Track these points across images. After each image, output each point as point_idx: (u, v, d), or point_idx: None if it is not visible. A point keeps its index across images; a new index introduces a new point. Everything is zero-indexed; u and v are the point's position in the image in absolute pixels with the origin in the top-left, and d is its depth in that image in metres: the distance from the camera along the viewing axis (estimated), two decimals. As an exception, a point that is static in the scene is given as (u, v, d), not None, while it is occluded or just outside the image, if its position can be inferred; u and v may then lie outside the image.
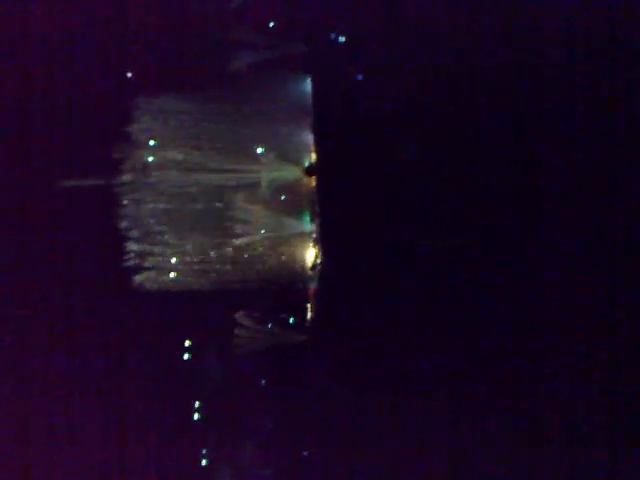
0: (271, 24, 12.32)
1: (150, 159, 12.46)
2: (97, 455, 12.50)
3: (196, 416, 12.72)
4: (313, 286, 12.75)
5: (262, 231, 12.74)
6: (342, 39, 12.41)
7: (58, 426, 12.45)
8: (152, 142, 12.46)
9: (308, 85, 12.54)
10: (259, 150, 12.57)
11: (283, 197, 12.71)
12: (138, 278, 12.43)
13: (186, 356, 12.72)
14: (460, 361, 12.29)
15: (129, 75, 12.41)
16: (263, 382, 12.76)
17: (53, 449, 12.39)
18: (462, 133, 12.19)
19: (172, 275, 12.59)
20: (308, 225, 12.77)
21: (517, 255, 12.21)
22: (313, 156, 12.65)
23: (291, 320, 12.76)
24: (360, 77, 12.41)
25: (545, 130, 12.19)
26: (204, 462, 12.66)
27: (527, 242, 12.21)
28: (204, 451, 12.67)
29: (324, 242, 12.69)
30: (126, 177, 12.30)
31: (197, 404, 12.73)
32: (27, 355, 12.44)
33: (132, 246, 12.41)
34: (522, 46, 12.13)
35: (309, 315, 12.72)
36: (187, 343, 12.72)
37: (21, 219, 12.44)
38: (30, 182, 12.37)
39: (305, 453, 12.56)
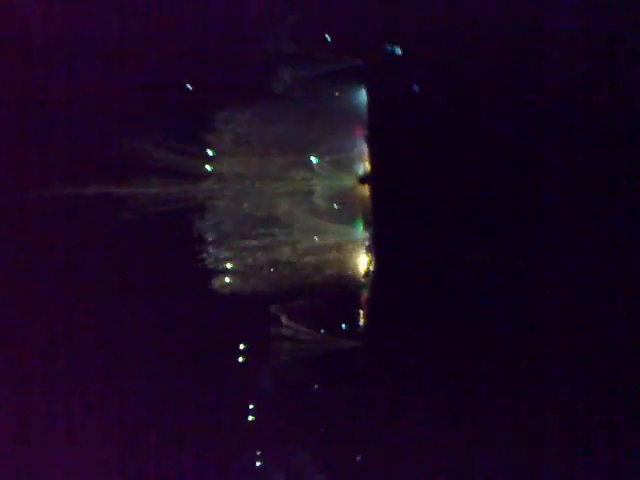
0: (328, 38, 12.52)
1: (210, 169, 12.76)
2: (154, 454, 12.75)
3: (250, 418, 12.93)
4: (365, 293, 12.92)
5: (315, 238, 12.95)
6: (398, 51, 12.58)
7: (116, 422, 12.74)
8: (210, 152, 12.75)
9: (363, 96, 12.74)
10: (314, 159, 12.79)
11: (337, 205, 12.92)
12: (214, 281, 12.77)
13: (240, 359, 12.96)
14: (513, 365, 12.38)
15: (189, 87, 12.67)
16: (315, 387, 12.93)
17: (109, 446, 12.69)
18: (519, 144, 12.27)
19: (235, 279, 12.86)
20: (361, 233, 12.95)
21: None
22: (367, 165, 12.84)
23: (343, 326, 12.93)
24: (416, 88, 12.53)
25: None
26: (258, 464, 12.85)
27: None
28: (258, 453, 12.88)
29: (377, 250, 12.86)
30: (193, 186, 12.62)
31: (251, 406, 12.94)
32: (107, 354, 12.77)
33: (207, 250, 12.74)
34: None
35: (361, 321, 12.89)
36: (242, 346, 12.95)
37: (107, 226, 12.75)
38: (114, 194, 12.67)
39: (358, 458, 12.69)
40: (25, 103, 12.53)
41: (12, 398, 12.54)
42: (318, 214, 12.89)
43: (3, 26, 12.40)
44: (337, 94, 12.77)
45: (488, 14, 12.10)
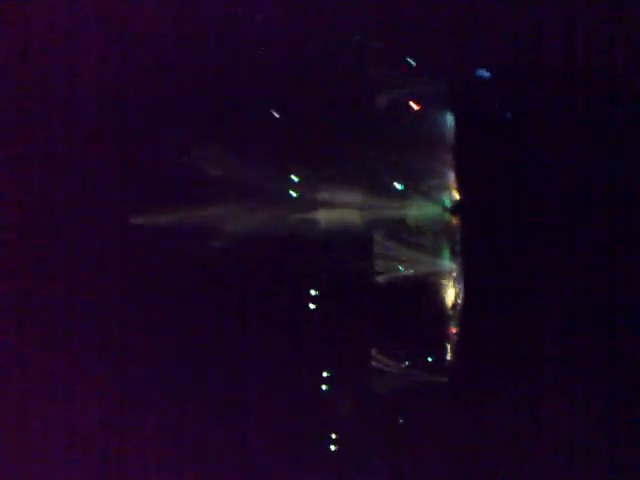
0: (412, 62, 12.14)
1: (295, 195, 12.63)
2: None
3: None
4: (452, 326, 12.50)
5: (400, 268, 12.62)
6: (487, 74, 12.05)
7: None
8: (295, 179, 12.61)
9: (450, 121, 12.28)
10: (399, 186, 12.45)
11: (423, 235, 12.54)
12: (299, 309, 12.70)
13: (324, 387, 12.81)
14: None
15: (276, 115, 12.57)
16: (401, 421, 12.64)
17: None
18: (609, 177, 11.62)
19: (321, 306, 12.73)
20: (448, 263, 12.52)
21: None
22: (454, 194, 12.39)
23: (429, 359, 12.57)
24: (508, 115, 11.99)
25: None
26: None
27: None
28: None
29: (465, 281, 12.41)
30: (279, 212, 12.56)
31: (334, 436, 12.77)
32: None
33: (293, 276, 12.66)
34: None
35: (448, 356, 12.49)
36: (325, 374, 12.80)
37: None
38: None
39: None
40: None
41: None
42: (403, 244, 12.53)
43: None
44: (423, 119, 12.33)
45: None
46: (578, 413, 11.88)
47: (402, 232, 12.55)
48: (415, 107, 12.31)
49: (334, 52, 12.29)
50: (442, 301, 12.58)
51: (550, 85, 11.80)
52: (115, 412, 12.51)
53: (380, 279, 12.61)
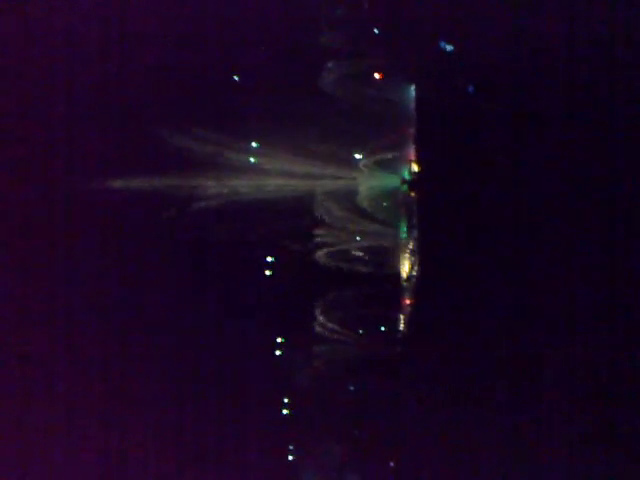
0: (376, 31, 11.92)
1: (252, 160, 12.49)
2: (188, 443, 12.87)
3: (285, 412, 12.86)
4: (407, 297, 12.54)
5: (357, 238, 12.59)
6: (450, 47, 11.88)
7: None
8: (255, 144, 12.45)
9: (412, 95, 12.14)
10: (357, 156, 12.34)
11: (380, 206, 12.48)
12: (253, 274, 12.75)
13: (278, 352, 12.86)
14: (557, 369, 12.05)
15: (236, 78, 12.34)
16: (352, 388, 12.74)
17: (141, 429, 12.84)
18: (574, 146, 11.61)
19: (274, 273, 12.72)
20: (404, 236, 12.51)
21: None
22: (413, 167, 12.31)
23: (382, 329, 12.63)
24: (471, 89, 11.85)
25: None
26: (290, 457, 12.81)
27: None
28: (291, 447, 12.83)
29: (421, 254, 12.41)
30: (235, 180, 12.43)
31: (286, 400, 12.85)
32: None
33: (247, 244, 12.60)
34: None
35: (401, 326, 12.55)
36: (279, 340, 12.84)
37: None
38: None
39: (391, 464, 12.51)
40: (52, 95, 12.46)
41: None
42: (360, 214, 12.47)
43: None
44: (385, 91, 12.17)
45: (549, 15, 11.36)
46: (526, 378, 12.10)
47: (359, 203, 12.51)
48: (378, 77, 12.15)
49: (295, 20, 12.12)
50: (397, 273, 12.60)
51: (512, 59, 11.67)
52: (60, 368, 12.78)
53: (336, 249, 12.60)
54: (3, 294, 12.44)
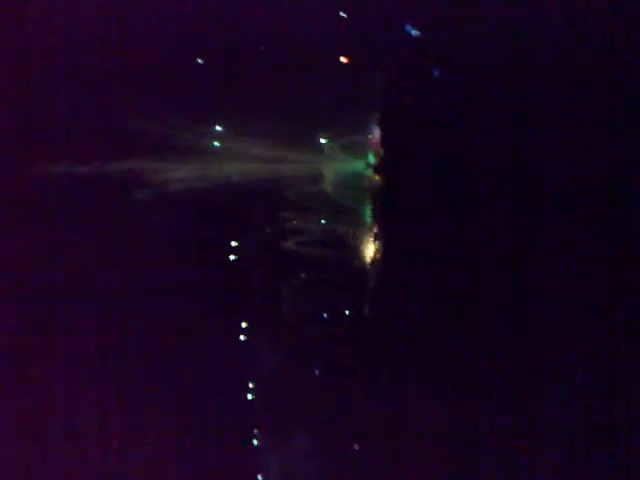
0: (343, 15, 11.91)
1: (216, 144, 12.38)
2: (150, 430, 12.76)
3: (249, 397, 12.84)
4: (371, 281, 12.60)
5: (322, 222, 12.60)
6: (416, 32, 11.92)
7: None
8: (219, 128, 12.34)
9: (379, 79, 12.16)
10: (322, 141, 12.34)
11: (345, 190, 12.51)
12: (220, 257, 12.68)
13: (242, 337, 12.82)
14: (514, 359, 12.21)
15: (200, 61, 12.20)
16: (317, 372, 12.77)
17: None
18: (539, 127, 11.79)
19: (240, 257, 12.67)
20: (369, 220, 12.56)
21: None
22: (379, 151, 12.35)
23: (347, 312, 12.67)
24: (436, 73, 11.90)
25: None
26: (255, 442, 12.80)
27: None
28: (255, 431, 12.83)
29: (385, 238, 12.48)
30: (202, 165, 12.32)
31: (250, 385, 12.83)
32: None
33: (214, 226, 12.59)
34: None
35: (365, 310, 12.61)
36: (244, 324, 12.79)
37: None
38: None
39: (356, 447, 12.59)
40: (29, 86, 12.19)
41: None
42: (325, 197, 12.47)
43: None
44: (352, 76, 12.15)
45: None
46: (489, 364, 12.20)
47: (324, 186, 12.51)
48: (344, 60, 12.14)
49: (259, 3, 12.04)
50: (361, 257, 12.65)
51: (479, 44, 11.72)
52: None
53: (300, 233, 12.59)
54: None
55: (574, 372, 11.91)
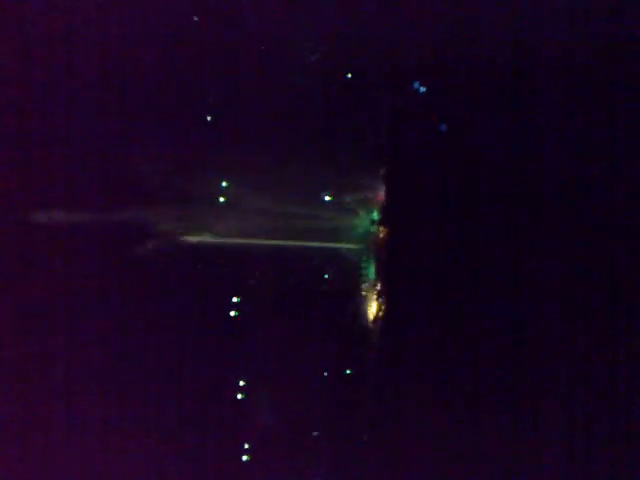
0: (349, 75, 12.00)
1: (222, 200, 12.36)
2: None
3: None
4: (374, 339, 12.43)
5: (325, 276, 12.48)
6: (423, 89, 11.98)
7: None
8: (225, 184, 12.33)
9: (383, 135, 12.17)
10: (327, 198, 12.31)
11: (349, 245, 12.43)
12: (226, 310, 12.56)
13: (240, 396, 12.58)
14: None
15: (209, 119, 12.29)
16: (315, 434, 12.54)
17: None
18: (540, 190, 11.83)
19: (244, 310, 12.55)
20: (372, 276, 12.45)
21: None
22: (383, 207, 12.31)
23: (348, 372, 12.47)
24: (443, 128, 11.92)
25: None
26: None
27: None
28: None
29: (388, 297, 12.35)
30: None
31: (247, 446, 12.57)
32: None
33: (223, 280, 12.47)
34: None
35: (367, 368, 12.42)
36: (241, 383, 12.59)
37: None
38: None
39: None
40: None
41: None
42: (330, 255, 12.39)
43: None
44: (358, 132, 12.17)
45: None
46: (501, 422, 12.11)
47: (330, 243, 12.44)
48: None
49: (274, 68, 12.18)
50: (364, 314, 12.50)
51: (485, 96, 11.85)
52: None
53: (303, 288, 12.47)
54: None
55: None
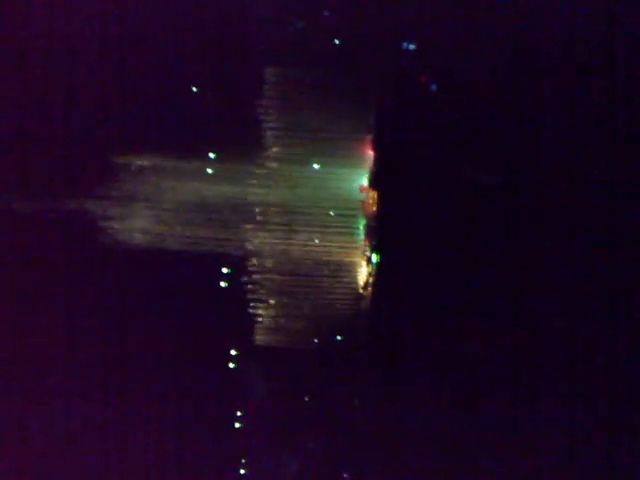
0: (337, 41, 11.66)
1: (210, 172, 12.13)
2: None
3: (237, 425, 12.44)
4: (364, 304, 12.25)
5: (316, 241, 12.25)
6: (412, 47, 11.61)
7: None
8: (212, 155, 12.16)
9: (371, 98, 11.84)
10: (316, 166, 12.05)
11: (337, 211, 12.18)
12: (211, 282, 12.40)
13: (231, 365, 12.46)
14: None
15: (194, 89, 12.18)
16: (307, 398, 12.39)
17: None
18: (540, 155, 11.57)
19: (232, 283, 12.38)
20: (361, 240, 12.21)
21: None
22: (372, 171, 12.02)
23: (338, 338, 12.32)
24: (434, 87, 11.59)
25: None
26: (242, 471, 12.43)
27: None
28: (243, 460, 12.44)
29: (378, 260, 12.13)
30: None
31: (239, 413, 12.44)
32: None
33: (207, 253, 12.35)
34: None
35: (358, 334, 12.26)
36: (233, 352, 12.45)
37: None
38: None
39: (345, 475, 12.24)
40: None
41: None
42: (319, 220, 12.12)
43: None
44: (346, 95, 11.83)
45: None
46: (486, 386, 12.03)
47: (316, 210, 12.19)
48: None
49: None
50: (354, 279, 12.32)
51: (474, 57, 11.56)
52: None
53: (291, 254, 12.27)
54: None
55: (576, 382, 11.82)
